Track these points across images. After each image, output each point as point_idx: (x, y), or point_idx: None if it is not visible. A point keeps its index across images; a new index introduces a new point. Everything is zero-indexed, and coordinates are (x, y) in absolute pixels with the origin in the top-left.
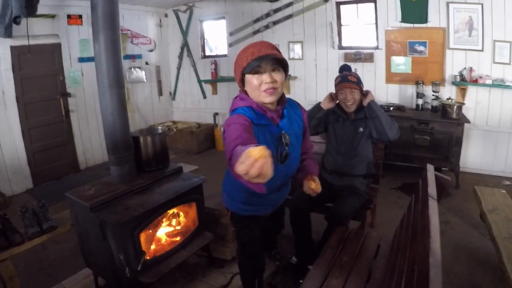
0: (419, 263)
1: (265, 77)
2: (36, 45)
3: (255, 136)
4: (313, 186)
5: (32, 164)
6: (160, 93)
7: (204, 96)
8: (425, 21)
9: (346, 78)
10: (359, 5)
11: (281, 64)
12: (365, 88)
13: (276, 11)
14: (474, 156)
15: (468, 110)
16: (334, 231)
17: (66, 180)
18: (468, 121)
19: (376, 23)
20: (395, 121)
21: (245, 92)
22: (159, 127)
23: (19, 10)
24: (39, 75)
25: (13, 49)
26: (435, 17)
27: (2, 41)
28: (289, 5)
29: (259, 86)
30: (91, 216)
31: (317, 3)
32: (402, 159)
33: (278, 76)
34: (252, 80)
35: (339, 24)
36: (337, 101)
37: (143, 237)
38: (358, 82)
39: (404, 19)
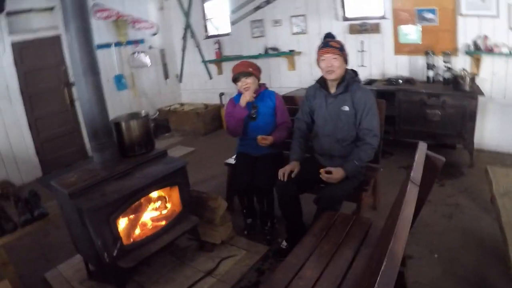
0: (376, 266)
1: (240, 83)
2: (37, 39)
3: None
4: (259, 138)
5: (40, 153)
6: (166, 76)
7: (210, 77)
8: None
9: (328, 43)
10: None
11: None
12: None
13: None
14: (491, 132)
15: (484, 82)
16: (321, 215)
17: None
18: (482, 94)
19: None
20: (369, 150)
21: None
22: (143, 111)
23: None
24: (42, 68)
25: (14, 45)
26: None
27: (2, 38)
28: None
29: (241, 87)
30: (70, 203)
31: None
32: (412, 136)
33: (249, 80)
34: (237, 84)
35: None
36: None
37: (125, 222)
38: (341, 49)
39: None
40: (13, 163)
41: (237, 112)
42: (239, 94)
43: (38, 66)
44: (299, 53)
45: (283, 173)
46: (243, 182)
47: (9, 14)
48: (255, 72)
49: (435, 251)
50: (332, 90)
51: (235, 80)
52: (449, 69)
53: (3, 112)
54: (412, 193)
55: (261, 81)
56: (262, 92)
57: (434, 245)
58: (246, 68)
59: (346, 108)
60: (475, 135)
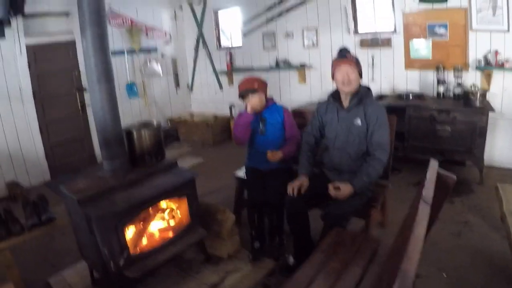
0: (387, 286)
1: (246, 100)
2: (51, 43)
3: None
4: (269, 153)
5: (49, 157)
6: (177, 85)
7: (221, 88)
8: (445, 0)
9: (344, 55)
10: None
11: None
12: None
13: None
14: (501, 149)
15: (495, 97)
16: (329, 232)
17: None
18: (492, 110)
19: (393, 6)
20: (378, 166)
21: None
22: (154, 121)
23: (3, 13)
24: (55, 71)
25: (28, 47)
26: None
27: (18, 39)
28: None
29: (247, 104)
30: (78, 210)
31: None
32: (421, 152)
33: (255, 96)
34: (244, 101)
35: (354, 9)
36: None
37: (132, 231)
38: (357, 62)
39: (422, 0)
40: (22, 165)
41: (244, 116)
42: None
43: (51, 69)
44: (310, 66)
45: (292, 188)
46: (255, 199)
47: (26, 16)
48: (261, 88)
49: (443, 270)
50: (345, 103)
51: (241, 96)
52: (459, 84)
53: (15, 114)
54: (423, 213)
55: (270, 94)
56: (269, 106)
57: (442, 263)
58: (251, 85)
59: (359, 121)
60: (485, 152)
